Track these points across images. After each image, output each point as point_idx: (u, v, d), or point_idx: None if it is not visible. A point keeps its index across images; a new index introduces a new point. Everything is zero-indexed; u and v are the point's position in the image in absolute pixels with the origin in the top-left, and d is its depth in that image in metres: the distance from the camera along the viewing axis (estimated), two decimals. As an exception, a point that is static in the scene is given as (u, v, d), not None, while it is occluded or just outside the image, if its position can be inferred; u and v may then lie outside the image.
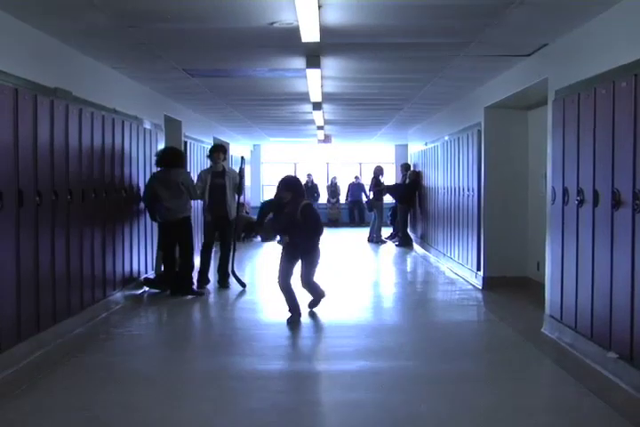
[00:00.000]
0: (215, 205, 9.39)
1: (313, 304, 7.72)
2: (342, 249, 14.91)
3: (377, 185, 16.68)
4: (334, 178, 22.33)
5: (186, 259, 8.87)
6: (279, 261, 7.41)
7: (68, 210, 6.48)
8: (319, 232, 7.35)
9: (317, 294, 7.68)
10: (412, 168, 16.19)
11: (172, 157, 8.85)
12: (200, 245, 10.00)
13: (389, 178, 19.14)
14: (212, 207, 9.42)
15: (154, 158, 9.09)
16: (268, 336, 6.56)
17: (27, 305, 5.66)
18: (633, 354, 4.83)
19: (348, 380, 5.27)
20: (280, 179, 7.46)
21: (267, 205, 7.49)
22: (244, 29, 5.98)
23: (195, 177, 9.61)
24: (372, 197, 16.92)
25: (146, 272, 9.22)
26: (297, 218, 7.16)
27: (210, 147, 10.16)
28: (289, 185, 7.34)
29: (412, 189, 15.29)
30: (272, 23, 5.66)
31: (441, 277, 10.97)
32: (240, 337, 6.81)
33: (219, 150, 9.56)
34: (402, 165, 17.31)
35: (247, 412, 4.52)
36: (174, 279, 8.87)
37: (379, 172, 16.87)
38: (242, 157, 10.09)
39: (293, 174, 8.06)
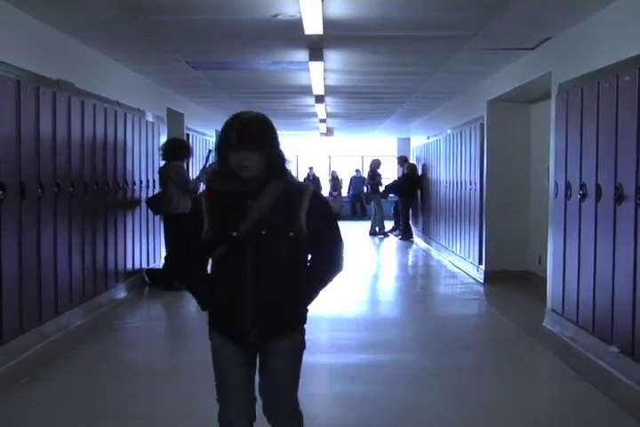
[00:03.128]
0: None
1: None
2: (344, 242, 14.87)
3: (373, 178, 16.70)
4: (334, 172, 22.32)
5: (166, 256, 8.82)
6: (216, 371, 3.15)
7: (70, 202, 6.48)
8: (341, 262, 3.02)
9: None
10: (409, 161, 16.19)
11: (166, 151, 8.76)
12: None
13: (390, 172, 19.11)
14: None
15: (158, 151, 9.08)
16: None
17: (29, 297, 5.67)
18: (634, 348, 4.83)
19: (350, 373, 5.27)
20: (225, 125, 2.74)
21: (190, 220, 2.90)
22: (248, 21, 5.96)
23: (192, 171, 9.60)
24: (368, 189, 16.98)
25: (148, 265, 9.23)
26: (298, 226, 2.81)
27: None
28: (254, 134, 2.71)
29: (408, 181, 15.26)
30: (275, 15, 5.64)
31: (442, 271, 10.98)
32: (242, 330, 6.80)
33: None
34: (399, 158, 17.31)
35: (248, 404, 4.51)
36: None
37: (375, 165, 16.88)
38: (209, 151, 9.93)
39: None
